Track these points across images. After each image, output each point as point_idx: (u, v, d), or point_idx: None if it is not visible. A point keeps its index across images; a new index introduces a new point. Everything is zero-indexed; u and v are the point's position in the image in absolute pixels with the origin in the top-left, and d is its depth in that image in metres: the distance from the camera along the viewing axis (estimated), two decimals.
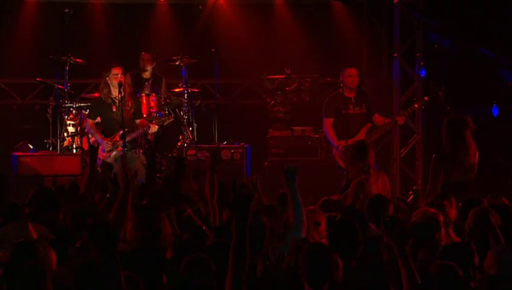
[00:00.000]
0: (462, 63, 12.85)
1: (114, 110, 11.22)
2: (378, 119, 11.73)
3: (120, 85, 10.95)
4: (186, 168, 7.60)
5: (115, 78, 11.10)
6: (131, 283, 5.34)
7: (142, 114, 11.57)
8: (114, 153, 11.26)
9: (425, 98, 12.03)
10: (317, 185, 11.26)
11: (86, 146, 11.92)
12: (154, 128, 11.37)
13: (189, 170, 7.66)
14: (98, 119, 11.46)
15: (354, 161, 8.69)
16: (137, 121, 11.35)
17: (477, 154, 9.12)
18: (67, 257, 5.91)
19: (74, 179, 7.66)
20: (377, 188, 8.41)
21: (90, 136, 11.67)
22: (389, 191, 8.84)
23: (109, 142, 11.27)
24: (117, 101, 11.09)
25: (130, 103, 11.23)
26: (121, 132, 11.00)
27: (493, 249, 5.18)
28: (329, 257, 5.33)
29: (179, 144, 12.59)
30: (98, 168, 9.04)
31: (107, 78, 11.18)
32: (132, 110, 11.24)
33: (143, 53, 12.65)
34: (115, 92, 11.13)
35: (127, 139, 11.01)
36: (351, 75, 11.51)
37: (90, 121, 11.46)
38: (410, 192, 12.87)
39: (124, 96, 11.03)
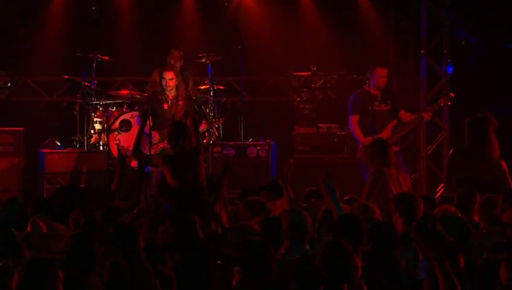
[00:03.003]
0: (489, 59, 12.77)
1: (166, 108, 11.31)
2: (404, 115, 11.53)
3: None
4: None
5: (167, 82, 11.32)
6: (162, 278, 5.41)
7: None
8: (161, 146, 11.31)
9: (451, 94, 11.83)
10: (342, 182, 11.16)
11: (112, 144, 11.95)
12: (203, 127, 11.45)
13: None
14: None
15: (374, 157, 8.64)
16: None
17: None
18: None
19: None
20: (397, 182, 8.38)
21: (118, 141, 11.75)
22: (410, 187, 8.80)
23: (157, 135, 11.35)
24: (170, 100, 11.19)
25: (181, 102, 11.29)
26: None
27: (506, 261, 5.13)
28: (348, 256, 5.29)
29: (205, 141, 12.61)
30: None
31: (161, 80, 11.35)
32: (183, 110, 11.30)
33: (172, 50, 12.61)
34: (169, 93, 11.27)
35: None
36: (382, 76, 11.20)
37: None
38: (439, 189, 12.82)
39: (176, 95, 11.24)
